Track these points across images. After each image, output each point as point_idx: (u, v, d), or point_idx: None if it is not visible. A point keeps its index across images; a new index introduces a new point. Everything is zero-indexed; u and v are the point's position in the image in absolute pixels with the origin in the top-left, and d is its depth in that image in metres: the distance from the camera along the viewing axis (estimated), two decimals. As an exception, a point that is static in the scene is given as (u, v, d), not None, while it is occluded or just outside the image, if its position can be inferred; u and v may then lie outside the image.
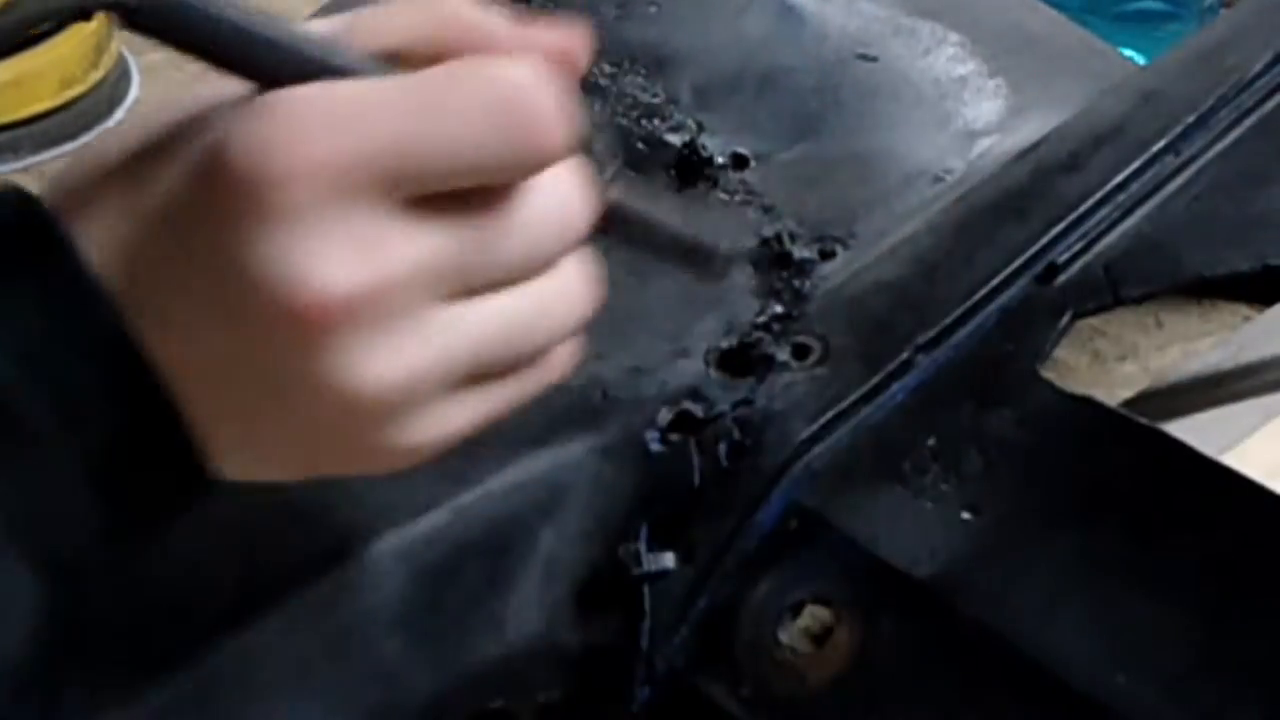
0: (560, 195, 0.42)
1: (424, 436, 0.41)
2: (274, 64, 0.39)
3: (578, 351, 0.44)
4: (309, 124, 0.38)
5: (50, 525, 0.39)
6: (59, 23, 0.41)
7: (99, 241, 0.39)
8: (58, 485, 0.39)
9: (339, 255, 0.38)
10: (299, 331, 0.38)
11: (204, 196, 0.39)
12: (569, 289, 0.43)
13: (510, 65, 0.40)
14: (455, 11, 0.42)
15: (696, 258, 0.52)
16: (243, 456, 0.41)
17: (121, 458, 0.39)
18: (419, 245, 0.39)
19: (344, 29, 0.42)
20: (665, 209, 0.49)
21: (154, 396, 0.39)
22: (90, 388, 0.38)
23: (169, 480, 0.40)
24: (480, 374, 0.42)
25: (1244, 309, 0.56)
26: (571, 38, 0.43)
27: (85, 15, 0.40)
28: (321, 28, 0.42)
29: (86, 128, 1.06)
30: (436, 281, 0.39)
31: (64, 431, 0.38)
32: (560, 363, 0.44)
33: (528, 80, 0.40)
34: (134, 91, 1.07)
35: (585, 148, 0.46)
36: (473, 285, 0.40)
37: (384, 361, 0.39)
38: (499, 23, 0.42)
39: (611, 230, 0.50)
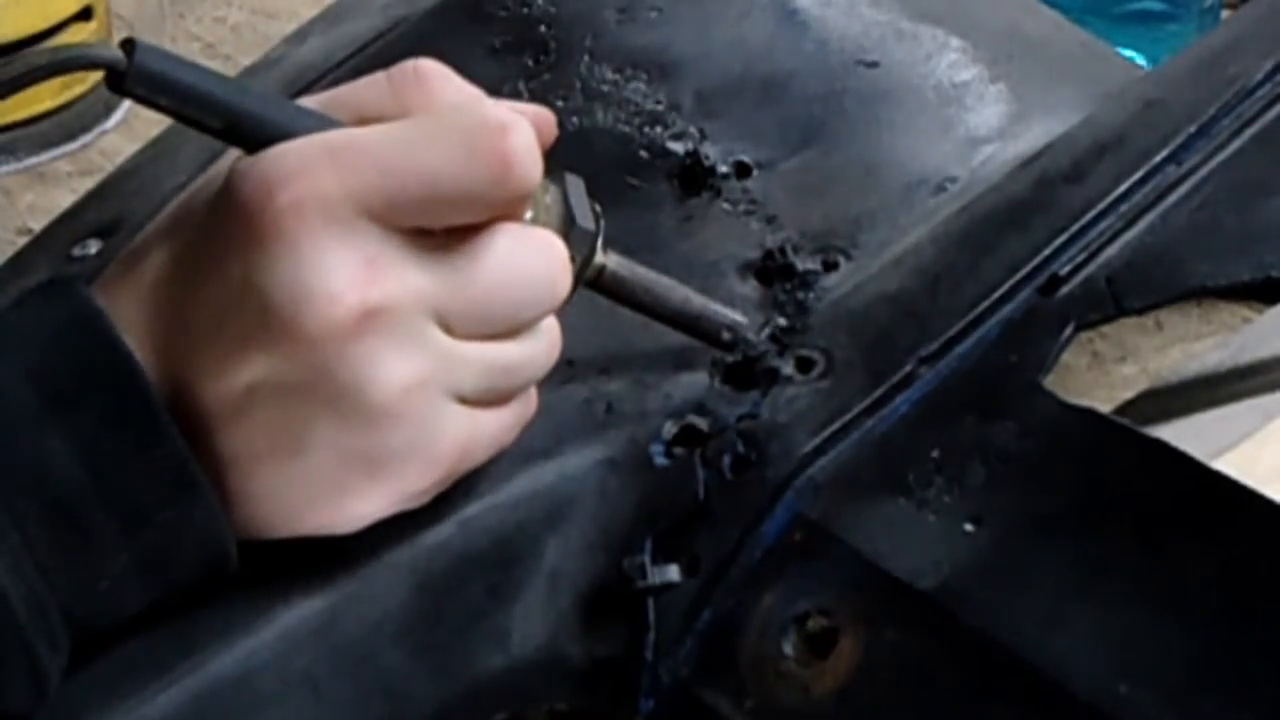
0: (539, 267, 0.47)
1: (424, 442, 0.45)
2: (253, 128, 0.44)
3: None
4: (309, 159, 0.43)
5: (99, 608, 0.44)
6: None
7: (129, 318, 0.44)
8: (110, 577, 0.43)
9: (347, 273, 0.43)
10: (316, 344, 0.43)
11: (220, 233, 0.44)
12: (542, 347, 0.49)
13: (483, 104, 0.47)
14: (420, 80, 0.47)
15: (701, 328, 0.53)
16: (274, 503, 0.45)
17: (171, 556, 0.44)
18: (416, 267, 0.44)
19: (326, 102, 0.47)
20: (666, 232, 0.50)
21: (203, 501, 0.44)
22: (150, 501, 0.43)
23: (205, 570, 0.45)
24: (468, 399, 0.47)
25: (1244, 310, 0.56)
26: (539, 112, 0.49)
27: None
28: (309, 103, 0.47)
29: (86, 128, 1.05)
30: (432, 305, 0.45)
31: (122, 535, 0.43)
32: (530, 405, 0.50)
33: (497, 113, 0.45)
34: (133, 92, 1.06)
35: (568, 220, 0.49)
36: (463, 321, 0.46)
37: (394, 368, 0.44)
38: (465, 87, 0.48)
39: (611, 297, 0.52)
